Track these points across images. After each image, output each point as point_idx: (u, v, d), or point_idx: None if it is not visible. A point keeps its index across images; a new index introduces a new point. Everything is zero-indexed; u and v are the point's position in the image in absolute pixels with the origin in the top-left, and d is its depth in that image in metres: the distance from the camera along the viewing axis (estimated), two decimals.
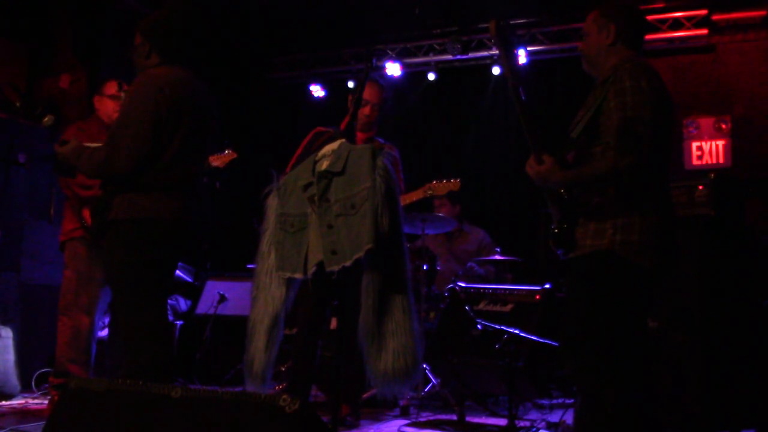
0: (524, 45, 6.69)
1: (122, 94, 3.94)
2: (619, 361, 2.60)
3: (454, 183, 4.83)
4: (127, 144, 2.95)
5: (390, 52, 7.30)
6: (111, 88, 4.44)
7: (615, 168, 2.53)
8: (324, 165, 2.52)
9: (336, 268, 2.44)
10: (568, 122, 2.81)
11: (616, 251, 2.58)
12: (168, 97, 3.02)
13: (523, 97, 2.63)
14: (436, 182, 4.83)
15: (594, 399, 2.60)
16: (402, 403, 4.61)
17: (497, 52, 6.82)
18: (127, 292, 3.04)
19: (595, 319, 2.62)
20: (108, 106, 4.40)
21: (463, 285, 4.84)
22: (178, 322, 5.90)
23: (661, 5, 6.35)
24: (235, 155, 4.86)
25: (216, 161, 4.86)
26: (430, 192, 4.78)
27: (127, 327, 3.05)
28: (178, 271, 5.83)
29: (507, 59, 2.63)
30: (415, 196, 4.77)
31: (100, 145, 3.16)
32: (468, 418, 4.29)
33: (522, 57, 6.62)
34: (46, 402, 4.46)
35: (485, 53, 7.07)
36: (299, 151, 4.22)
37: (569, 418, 4.01)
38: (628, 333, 2.66)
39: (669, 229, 2.66)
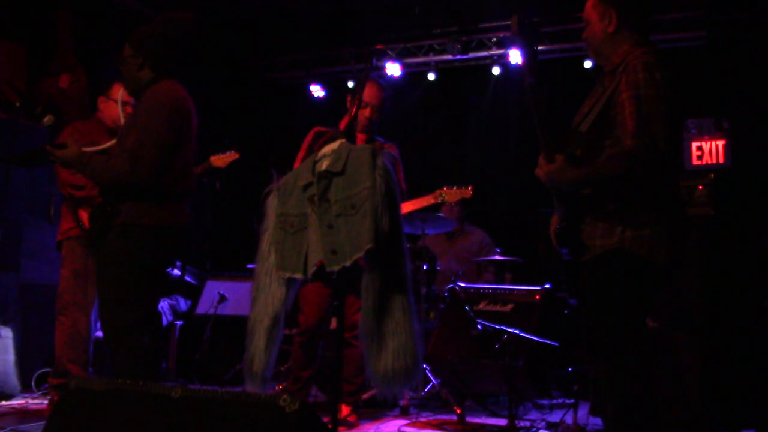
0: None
1: (129, 100, 3.92)
2: (644, 357, 2.57)
3: (466, 190, 4.83)
4: (150, 155, 3.04)
5: (390, 52, 7.30)
6: (119, 91, 4.39)
7: (629, 168, 2.45)
8: (324, 165, 2.52)
9: (336, 268, 2.44)
10: (569, 122, 2.77)
11: (627, 248, 2.52)
12: (180, 112, 3.16)
13: (539, 96, 2.54)
14: (447, 188, 4.83)
15: (630, 399, 2.52)
16: (402, 403, 4.62)
17: (499, 51, 6.90)
18: (118, 289, 3.08)
19: (617, 322, 2.56)
20: (114, 110, 4.34)
21: (463, 285, 4.85)
22: (178, 322, 5.90)
23: (661, 5, 6.34)
24: (237, 156, 4.86)
25: (218, 162, 4.86)
26: (441, 198, 4.79)
27: (115, 327, 3.09)
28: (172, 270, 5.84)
29: (526, 56, 2.55)
30: (425, 201, 4.77)
31: (97, 147, 3.19)
32: (468, 418, 4.29)
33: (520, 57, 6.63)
34: (46, 402, 4.46)
35: (485, 53, 7.07)
36: (302, 153, 4.22)
37: (569, 418, 4.01)
38: (644, 330, 2.64)
39: (680, 226, 2.60)
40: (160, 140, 3.07)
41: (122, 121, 3.48)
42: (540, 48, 6.77)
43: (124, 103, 4.22)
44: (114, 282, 3.09)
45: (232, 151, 4.85)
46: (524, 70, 2.58)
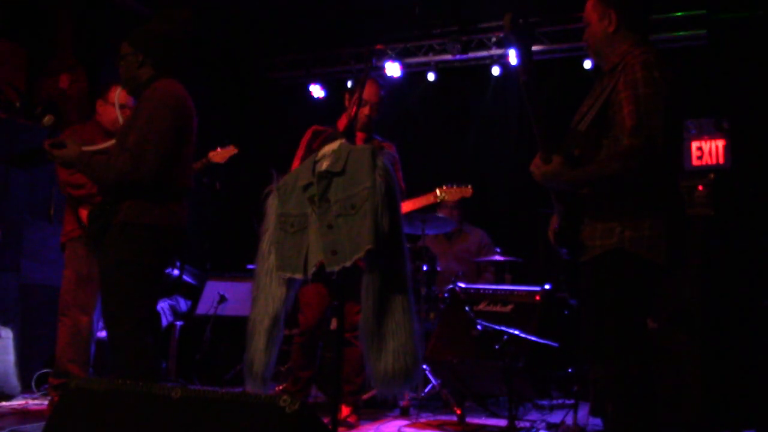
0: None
1: (126, 102, 3.92)
2: (645, 358, 2.56)
3: (466, 189, 4.84)
4: (153, 153, 3.03)
5: (390, 52, 7.30)
6: (116, 95, 4.39)
7: (627, 168, 2.44)
8: (324, 165, 2.52)
9: (336, 268, 2.44)
10: (568, 122, 2.77)
11: (626, 248, 2.51)
12: (181, 110, 3.15)
13: (534, 95, 2.54)
14: (447, 187, 4.83)
15: (630, 399, 2.51)
16: (402, 403, 4.61)
17: (499, 51, 6.90)
18: (121, 291, 3.07)
19: (617, 323, 2.55)
20: (111, 113, 4.36)
21: (463, 285, 4.85)
22: (178, 322, 5.90)
23: (661, 5, 6.34)
24: (235, 150, 4.84)
25: (216, 157, 4.84)
26: (441, 197, 4.79)
27: (117, 327, 3.08)
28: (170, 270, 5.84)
29: (521, 54, 2.54)
30: (425, 200, 4.77)
31: (97, 147, 3.19)
32: (468, 419, 4.29)
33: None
34: (46, 402, 4.46)
35: (485, 53, 7.07)
36: (300, 152, 4.22)
37: (569, 418, 4.01)
38: (644, 330, 2.63)
39: (679, 226, 2.59)
40: (162, 139, 3.06)
41: (121, 122, 3.47)
42: (539, 48, 6.78)
43: (122, 106, 4.22)
44: (115, 283, 3.08)
45: (231, 147, 4.83)
46: (519, 69, 2.57)
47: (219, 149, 4.84)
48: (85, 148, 3.16)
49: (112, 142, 3.21)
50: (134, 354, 3.04)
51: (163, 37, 3.22)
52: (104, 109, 4.40)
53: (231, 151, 4.84)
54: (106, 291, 3.15)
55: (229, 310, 5.72)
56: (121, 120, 3.50)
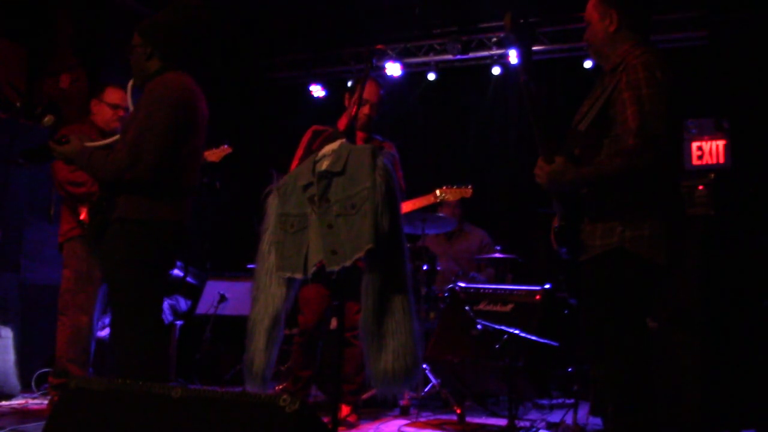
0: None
1: (121, 104, 3.91)
2: (645, 358, 2.56)
3: (466, 190, 4.85)
4: (151, 149, 2.96)
5: (390, 52, 7.30)
6: (111, 95, 4.39)
7: (632, 167, 2.45)
8: (324, 165, 2.52)
9: (336, 268, 2.44)
10: (568, 122, 2.77)
11: (627, 248, 2.52)
12: (184, 105, 3.07)
13: (534, 95, 2.54)
14: (447, 188, 4.84)
15: (630, 399, 2.51)
16: (402, 403, 4.62)
17: (499, 51, 6.90)
18: (126, 291, 3.03)
19: (617, 322, 2.56)
20: (106, 113, 4.36)
21: (463, 285, 4.85)
22: (178, 322, 5.90)
23: (661, 5, 6.34)
24: (230, 150, 4.85)
25: (211, 156, 4.85)
26: (441, 197, 4.80)
27: (123, 326, 3.05)
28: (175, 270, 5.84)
29: (520, 54, 2.54)
30: (425, 201, 4.78)
31: (99, 143, 3.16)
32: (468, 418, 4.29)
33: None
34: (46, 402, 4.46)
35: (485, 53, 7.07)
36: (300, 152, 4.22)
37: (569, 418, 4.01)
38: (644, 330, 2.63)
39: (679, 226, 2.59)
40: (161, 134, 2.98)
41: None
42: (539, 48, 6.78)
43: (116, 107, 4.21)
44: (118, 283, 3.05)
45: (225, 146, 4.84)
46: (519, 69, 2.57)
47: (213, 149, 4.85)
48: (88, 144, 3.12)
49: (117, 137, 3.16)
50: (140, 353, 2.99)
51: (172, 28, 3.15)
52: (98, 108, 4.41)
53: (225, 150, 4.84)
54: (111, 290, 3.12)
55: (229, 309, 5.72)
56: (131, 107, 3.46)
